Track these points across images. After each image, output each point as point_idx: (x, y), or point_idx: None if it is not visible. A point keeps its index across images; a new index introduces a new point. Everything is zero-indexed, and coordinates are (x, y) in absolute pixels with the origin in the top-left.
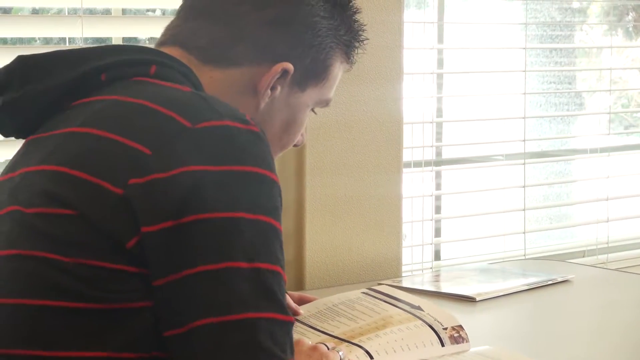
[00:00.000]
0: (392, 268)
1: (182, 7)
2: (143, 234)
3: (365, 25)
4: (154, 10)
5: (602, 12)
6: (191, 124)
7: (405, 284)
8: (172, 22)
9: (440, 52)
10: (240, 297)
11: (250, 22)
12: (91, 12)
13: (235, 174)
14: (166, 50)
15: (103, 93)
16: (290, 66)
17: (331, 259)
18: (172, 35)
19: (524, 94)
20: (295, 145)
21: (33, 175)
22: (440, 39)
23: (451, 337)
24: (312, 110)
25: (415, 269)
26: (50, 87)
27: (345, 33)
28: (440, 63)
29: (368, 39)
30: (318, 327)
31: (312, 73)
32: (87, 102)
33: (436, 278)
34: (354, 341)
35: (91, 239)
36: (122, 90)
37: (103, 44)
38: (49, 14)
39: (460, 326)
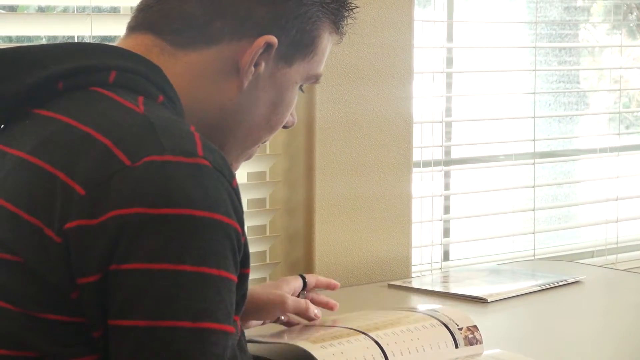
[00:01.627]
0: (402, 268)
1: None
2: (79, 285)
3: None
4: None
5: (605, 11)
6: (130, 162)
7: (415, 284)
8: (145, 3)
9: (449, 51)
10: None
11: None
12: (99, 10)
13: (164, 218)
14: (136, 38)
15: (59, 108)
16: (274, 39)
17: (341, 259)
18: (143, 18)
19: (534, 93)
20: (285, 127)
21: None
22: (450, 38)
23: (465, 338)
24: (300, 88)
25: (424, 270)
26: (6, 92)
27: (333, 1)
28: (449, 62)
29: (358, 7)
30: (335, 325)
31: (299, 46)
32: (43, 116)
33: (446, 279)
34: (370, 334)
35: (38, 290)
36: (75, 109)
37: (65, 42)
38: (55, 12)
39: (475, 327)
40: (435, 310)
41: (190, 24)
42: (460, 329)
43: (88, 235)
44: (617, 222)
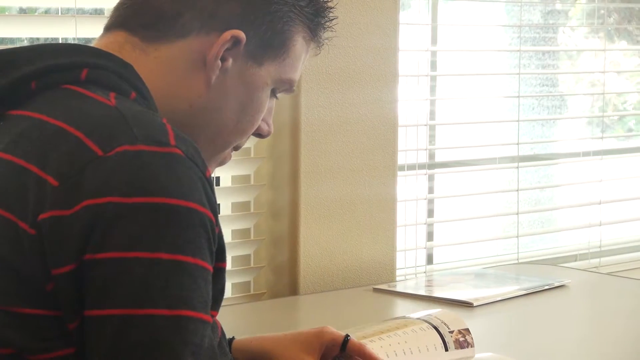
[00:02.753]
0: (387, 272)
1: None
2: (54, 276)
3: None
4: None
5: (583, 15)
6: (102, 152)
7: (400, 288)
8: (120, 1)
9: (433, 54)
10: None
11: None
12: (82, 12)
13: (138, 207)
14: (110, 36)
15: (32, 106)
16: (241, 34)
17: (325, 263)
18: (117, 17)
19: (518, 97)
20: (259, 135)
21: None
22: (434, 41)
23: (456, 341)
24: (275, 95)
25: (408, 273)
26: None
27: (307, 5)
28: (433, 65)
29: (337, 17)
30: None
31: (270, 45)
32: (18, 115)
33: (431, 283)
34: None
35: (12, 284)
36: (48, 106)
37: (38, 43)
38: (36, 13)
39: (467, 330)
40: (428, 314)
41: (159, 17)
42: (451, 331)
43: (62, 226)
44: (600, 225)
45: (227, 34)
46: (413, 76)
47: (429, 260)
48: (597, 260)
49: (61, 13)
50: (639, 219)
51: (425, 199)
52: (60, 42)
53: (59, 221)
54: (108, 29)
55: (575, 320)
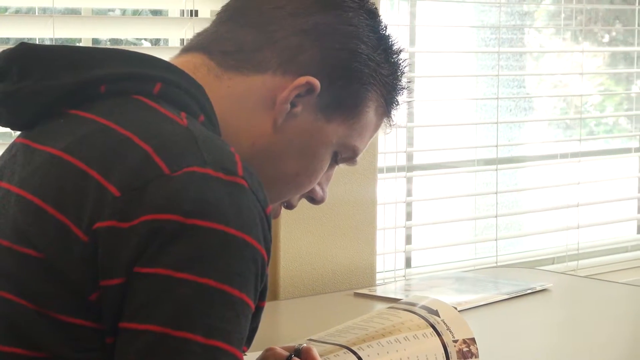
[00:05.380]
0: (367, 276)
1: (218, 12)
2: (101, 287)
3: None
4: (123, 11)
5: (549, 16)
6: (170, 171)
7: (382, 292)
8: (205, 28)
9: (411, 55)
10: None
11: (283, 28)
12: (54, 11)
13: (196, 230)
14: (188, 57)
15: (98, 110)
16: (316, 82)
17: (306, 267)
18: (199, 40)
19: (497, 98)
20: (312, 200)
21: (10, 197)
22: (412, 42)
23: (459, 351)
24: (336, 161)
25: (387, 277)
26: (46, 89)
27: (389, 75)
28: (411, 67)
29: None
30: (328, 341)
31: (342, 102)
32: (80, 116)
33: (413, 287)
34: (353, 348)
35: (56, 289)
36: (116, 113)
37: (110, 47)
38: (7, 13)
39: (473, 339)
40: (435, 313)
41: (240, 47)
42: (456, 341)
43: (118, 237)
44: (578, 228)
45: (302, 79)
46: None
47: (408, 263)
48: (575, 263)
49: (38, 12)
50: (616, 222)
51: (404, 202)
52: (134, 50)
53: (116, 232)
54: (186, 50)
55: (557, 325)
